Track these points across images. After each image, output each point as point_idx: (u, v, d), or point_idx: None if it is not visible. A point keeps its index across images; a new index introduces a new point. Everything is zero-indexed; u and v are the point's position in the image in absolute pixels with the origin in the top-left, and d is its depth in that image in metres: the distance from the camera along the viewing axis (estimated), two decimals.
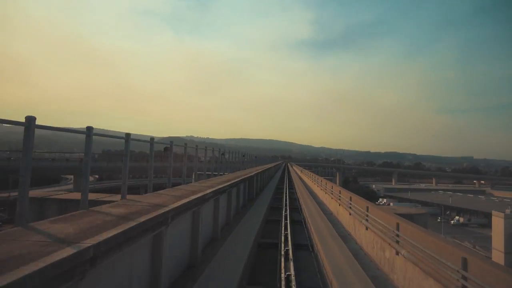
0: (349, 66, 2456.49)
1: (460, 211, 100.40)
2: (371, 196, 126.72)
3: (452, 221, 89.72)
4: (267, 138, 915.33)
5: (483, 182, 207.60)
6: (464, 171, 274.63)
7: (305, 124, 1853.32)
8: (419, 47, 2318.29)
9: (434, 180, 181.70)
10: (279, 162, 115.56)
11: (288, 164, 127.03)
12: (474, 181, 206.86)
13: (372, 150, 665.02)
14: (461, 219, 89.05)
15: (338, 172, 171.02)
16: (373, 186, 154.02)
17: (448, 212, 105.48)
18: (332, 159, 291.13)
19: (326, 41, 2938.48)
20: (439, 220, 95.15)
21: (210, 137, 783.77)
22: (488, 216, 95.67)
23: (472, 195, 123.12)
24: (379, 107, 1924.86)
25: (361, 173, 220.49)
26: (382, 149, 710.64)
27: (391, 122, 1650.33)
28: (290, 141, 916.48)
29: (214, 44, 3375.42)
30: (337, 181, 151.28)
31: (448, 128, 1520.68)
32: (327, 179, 28.92)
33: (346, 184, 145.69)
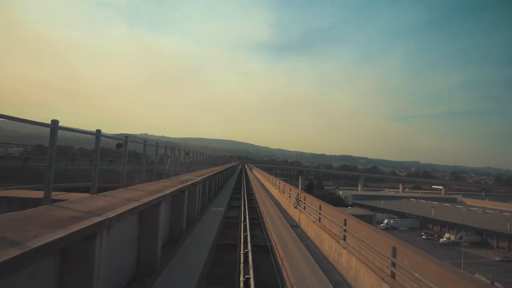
0: (305, 70, 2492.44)
1: (444, 225, 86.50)
2: (339, 204, 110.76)
3: (441, 240, 74.65)
4: (224, 138, 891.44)
5: (440, 187, 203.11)
6: (417, 176, 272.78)
7: (262, 125, 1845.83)
8: (370, 55, 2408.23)
9: (401, 186, 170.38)
10: (235, 164, 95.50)
11: (246, 167, 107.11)
12: (437, 186, 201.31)
13: (327, 153, 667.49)
14: (452, 237, 74.28)
15: (301, 175, 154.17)
16: (340, 192, 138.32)
17: (430, 226, 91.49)
18: (291, 160, 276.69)
19: (284, 44, 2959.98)
20: (424, 237, 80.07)
21: (165, 135, 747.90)
22: (481, 232, 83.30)
23: (448, 204, 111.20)
24: (333, 111, 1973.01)
25: (320, 176, 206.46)
26: (337, 152, 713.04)
27: (344, 126, 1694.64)
28: (247, 141, 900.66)
29: (171, 40, 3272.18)
30: (299, 185, 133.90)
31: (396, 133, 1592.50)
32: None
33: (310, 189, 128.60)
